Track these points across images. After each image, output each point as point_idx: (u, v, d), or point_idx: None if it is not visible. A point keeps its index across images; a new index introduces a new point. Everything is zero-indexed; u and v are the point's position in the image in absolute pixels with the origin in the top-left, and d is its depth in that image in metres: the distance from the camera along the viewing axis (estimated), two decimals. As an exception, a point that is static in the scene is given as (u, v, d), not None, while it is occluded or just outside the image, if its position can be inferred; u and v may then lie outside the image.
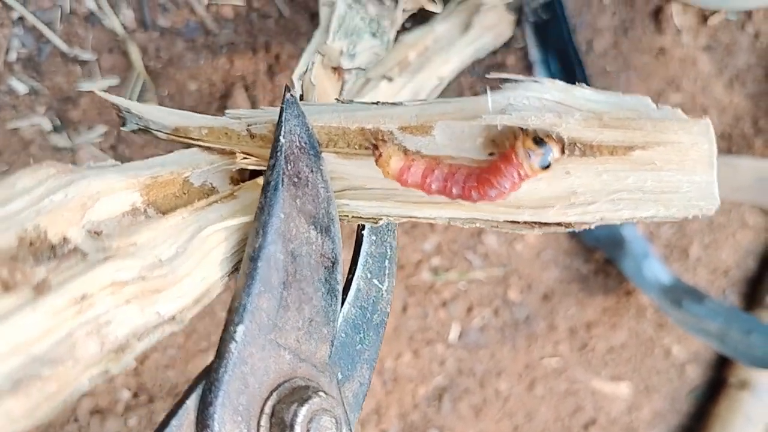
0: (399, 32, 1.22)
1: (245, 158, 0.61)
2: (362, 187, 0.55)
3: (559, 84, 0.49)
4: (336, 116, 0.54)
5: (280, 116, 0.52)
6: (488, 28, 1.32)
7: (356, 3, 0.89)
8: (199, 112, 1.31)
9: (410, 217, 0.55)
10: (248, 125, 0.59)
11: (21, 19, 1.24)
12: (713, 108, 1.68)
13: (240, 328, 0.46)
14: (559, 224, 0.52)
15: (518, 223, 0.52)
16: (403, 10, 0.95)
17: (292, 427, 0.45)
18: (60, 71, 1.27)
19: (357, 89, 0.98)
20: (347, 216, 0.57)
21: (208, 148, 0.62)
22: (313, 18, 1.40)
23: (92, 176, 0.51)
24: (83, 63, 1.28)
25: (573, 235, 1.64)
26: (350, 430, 0.53)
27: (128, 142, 1.31)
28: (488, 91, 0.49)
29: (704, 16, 1.62)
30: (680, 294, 1.61)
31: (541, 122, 0.47)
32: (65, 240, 0.47)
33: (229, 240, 0.55)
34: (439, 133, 0.51)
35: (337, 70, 0.83)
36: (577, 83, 0.49)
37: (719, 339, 1.57)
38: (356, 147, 0.54)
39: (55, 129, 1.28)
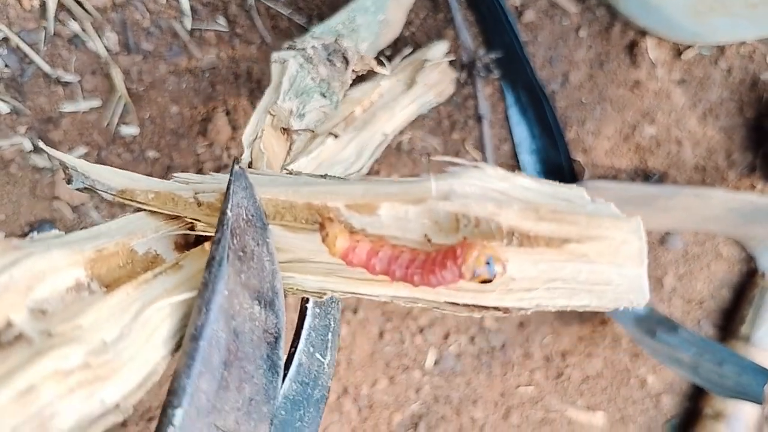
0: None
1: (191, 224, 0.60)
2: (307, 260, 0.55)
3: (500, 172, 0.51)
4: (284, 189, 0.55)
5: (228, 188, 0.52)
6: (431, 86, 1.35)
7: (308, 63, 0.90)
8: (181, 135, 1.34)
9: (354, 293, 0.55)
10: (195, 192, 0.59)
11: (5, 39, 1.25)
12: (687, 140, 1.71)
13: (179, 412, 0.45)
14: (497, 308, 0.52)
15: (458, 305, 0.53)
16: (353, 71, 0.97)
17: None
18: (42, 92, 1.29)
19: (303, 146, 0.99)
20: (292, 288, 0.57)
21: (153, 213, 0.61)
22: (295, 45, 1.42)
23: (37, 254, 0.49)
24: (66, 84, 1.30)
25: (549, 264, 1.66)
26: None
27: (108, 164, 1.32)
28: (432, 178, 0.50)
29: (678, 51, 1.66)
30: (654, 324, 1.63)
31: (482, 210, 0.49)
32: (9, 324, 0.45)
33: (173, 316, 0.53)
34: (384, 213, 0.51)
35: (286, 131, 0.83)
36: (518, 172, 0.51)
37: (692, 369, 1.58)
38: (303, 221, 0.54)
39: (36, 149, 1.28)
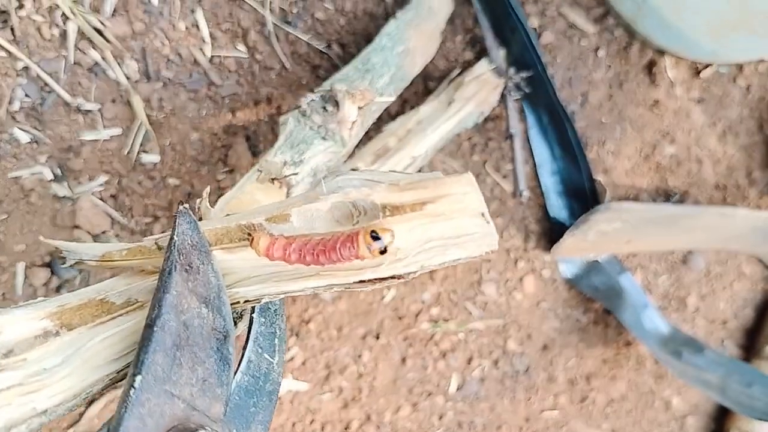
0: (384, 121, 1.34)
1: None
2: (248, 277, 0.66)
3: (375, 170, 0.68)
4: (220, 221, 0.68)
5: (174, 222, 0.63)
6: (468, 98, 1.39)
7: (303, 117, 1.04)
8: (202, 162, 1.33)
9: (285, 292, 0.65)
10: (155, 241, 0.70)
11: (25, 68, 1.25)
12: (707, 159, 1.70)
13: (138, 378, 0.54)
14: (392, 277, 0.63)
15: (364, 281, 0.64)
16: (359, 107, 1.06)
17: None
18: (62, 121, 1.28)
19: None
20: (239, 302, 0.67)
21: (130, 272, 0.72)
22: (315, 70, 1.42)
23: None
24: (86, 113, 1.29)
25: (571, 286, 1.64)
26: None
27: (129, 192, 1.31)
28: (322, 181, 0.65)
29: (697, 69, 1.66)
30: (680, 345, 1.61)
31: (359, 193, 0.64)
32: None
33: (122, 342, 0.65)
34: (295, 218, 0.65)
35: (276, 179, 0.96)
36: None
37: (720, 390, 1.56)
38: (237, 240, 0.66)
39: (56, 178, 1.28)
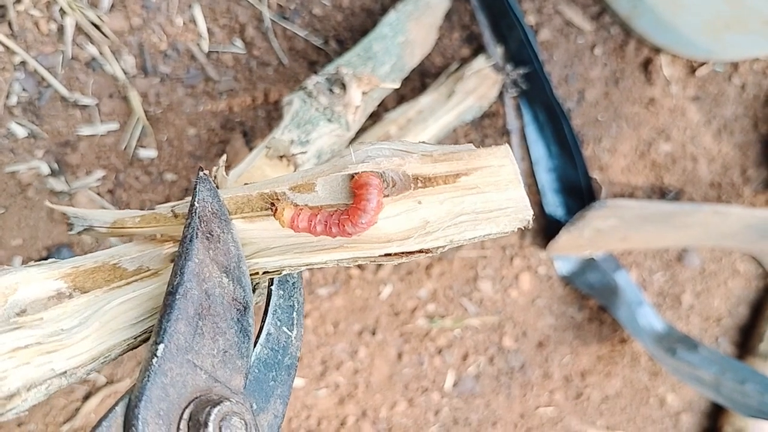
0: (385, 110, 1.36)
1: (173, 244, 0.70)
2: (268, 248, 0.65)
3: (405, 141, 0.63)
4: (241, 189, 0.65)
5: (195, 188, 0.62)
6: (469, 92, 1.41)
7: (309, 97, 1.04)
8: (199, 157, 1.33)
9: (307, 264, 0.64)
10: (172, 208, 0.69)
11: (23, 63, 1.25)
12: (702, 157, 1.70)
13: (161, 347, 0.53)
14: (420, 251, 0.62)
15: (391, 255, 0.62)
16: (363, 93, 1.06)
17: (206, 424, 0.52)
18: (60, 116, 1.28)
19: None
20: (257, 273, 0.65)
21: (143, 240, 0.71)
22: (312, 66, 1.42)
23: (14, 272, 0.62)
24: (83, 108, 1.29)
25: (567, 283, 1.64)
26: None
27: (126, 187, 1.31)
28: (351, 149, 0.61)
29: (692, 68, 1.66)
30: (674, 342, 1.61)
31: (390, 164, 0.61)
32: None
33: (139, 308, 0.64)
34: (320, 188, 0.62)
35: (284, 157, 0.96)
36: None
37: (714, 388, 1.57)
38: (258, 210, 0.64)
39: (53, 173, 1.28)
